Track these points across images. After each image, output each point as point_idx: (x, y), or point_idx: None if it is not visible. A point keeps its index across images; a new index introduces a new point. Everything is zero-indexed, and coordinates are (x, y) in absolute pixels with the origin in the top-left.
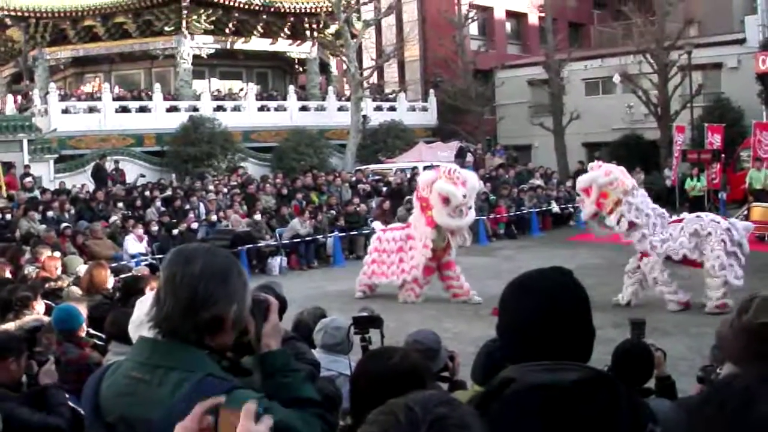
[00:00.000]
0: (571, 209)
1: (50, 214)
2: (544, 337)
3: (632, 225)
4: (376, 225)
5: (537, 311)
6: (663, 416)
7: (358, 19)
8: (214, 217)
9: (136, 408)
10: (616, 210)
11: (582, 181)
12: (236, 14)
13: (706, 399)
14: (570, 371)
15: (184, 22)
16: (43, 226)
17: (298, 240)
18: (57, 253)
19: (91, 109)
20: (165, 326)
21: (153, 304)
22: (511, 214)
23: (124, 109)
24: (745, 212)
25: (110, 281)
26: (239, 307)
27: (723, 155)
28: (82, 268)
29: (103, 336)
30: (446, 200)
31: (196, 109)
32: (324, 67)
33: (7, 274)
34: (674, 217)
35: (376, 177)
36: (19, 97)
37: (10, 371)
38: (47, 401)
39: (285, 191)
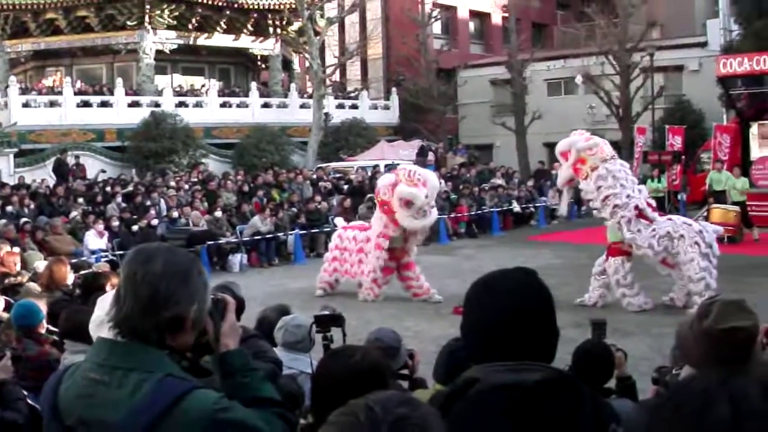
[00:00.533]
0: (532, 209)
1: (9, 209)
2: (508, 337)
3: (606, 198)
4: (339, 221)
5: (501, 311)
6: (625, 417)
7: (322, 16)
8: (174, 214)
9: (95, 410)
10: (591, 175)
11: (561, 144)
12: (199, 10)
13: (664, 400)
14: (533, 371)
15: (146, 17)
16: (3, 221)
17: (259, 237)
18: (16, 249)
19: (52, 103)
20: (125, 326)
21: (112, 303)
22: (472, 213)
23: (86, 104)
24: (705, 214)
25: (70, 277)
26: (200, 307)
27: (683, 157)
28: (41, 264)
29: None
30: (408, 203)
31: (157, 105)
32: (286, 64)
33: None
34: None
35: (338, 175)
36: None
37: None
38: (3, 397)
39: (246, 188)
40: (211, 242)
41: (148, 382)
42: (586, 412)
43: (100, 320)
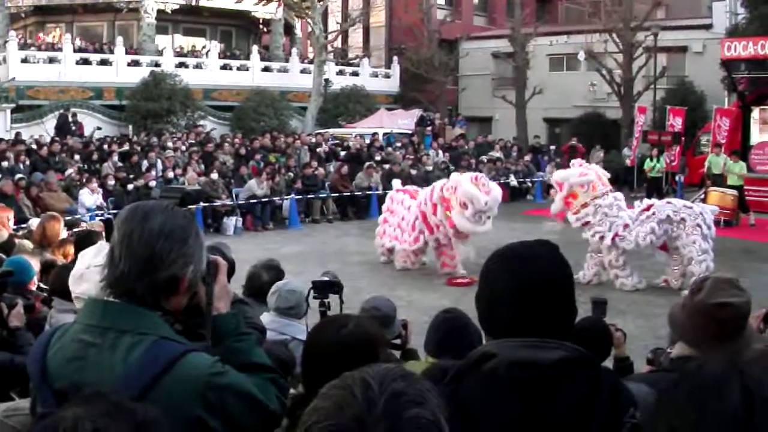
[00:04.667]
0: (529, 183)
1: (5, 164)
2: (527, 311)
3: (587, 224)
4: (396, 183)
5: (522, 284)
6: (642, 400)
7: None
8: (170, 174)
9: (88, 373)
10: (581, 212)
11: (557, 175)
12: None
13: (674, 386)
14: (554, 349)
15: None
16: None
17: (255, 201)
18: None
19: (51, 60)
20: (119, 286)
21: (106, 263)
22: None
23: (85, 61)
24: (702, 196)
25: (63, 234)
26: (195, 268)
27: (683, 138)
28: (34, 221)
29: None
30: (466, 204)
31: (157, 65)
32: (288, 29)
33: None
34: (642, 204)
35: (336, 141)
36: None
37: None
38: (15, 342)
39: (243, 151)
40: (207, 204)
41: (141, 344)
42: (605, 394)
43: (80, 273)
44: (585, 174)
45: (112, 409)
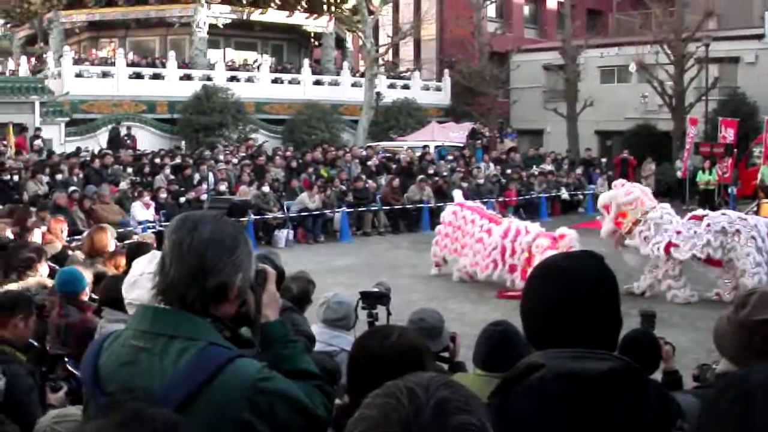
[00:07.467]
0: (581, 196)
1: (59, 177)
2: (572, 323)
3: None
4: (457, 194)
5: (566, 296)
6: (690, 412)
7: None
8: (222, 187)
9: (139, 378)
10: (634, 230)
11: (602, 198)
12: None
13: (720, 394)
14: (601, 361)
15: None
16: (44, 189)
17: (306, 214)
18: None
19: (105, 74)
20: (170, 293)
21: (157, 270)
22: (521, 197)
23: (138, 76)
24: (755, 208)
25: (112, 245)
26: (244, 276)
27: (735, 150)
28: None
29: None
30: None
31: (209, 79)
32: (339, 42)
33: (9, 235)
34: (691, 213)
35: (387, 154)
36: (33, 59)
37: (17, 329)
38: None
39: (295, 164)
40: (258, 217)
41: (191, 349)
42: (652, 405)
43: (134, 280)
44: (630, 192)
45: (131, 418)
